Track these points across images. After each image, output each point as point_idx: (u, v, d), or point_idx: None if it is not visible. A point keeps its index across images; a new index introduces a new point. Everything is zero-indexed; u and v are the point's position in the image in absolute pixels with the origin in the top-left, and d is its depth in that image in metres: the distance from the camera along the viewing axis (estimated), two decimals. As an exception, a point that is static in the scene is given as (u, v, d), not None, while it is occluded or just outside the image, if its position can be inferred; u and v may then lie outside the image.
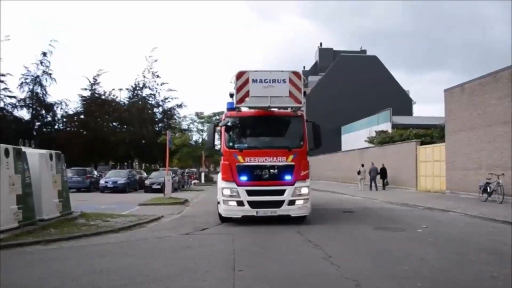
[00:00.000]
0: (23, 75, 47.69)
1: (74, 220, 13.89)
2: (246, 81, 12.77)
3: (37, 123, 49.62)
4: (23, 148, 12.51)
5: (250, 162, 12.97)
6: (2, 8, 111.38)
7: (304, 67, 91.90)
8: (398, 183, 32.48)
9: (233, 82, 12.92)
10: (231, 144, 13.45)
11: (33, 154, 13.06)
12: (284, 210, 12.89)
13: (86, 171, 35.28)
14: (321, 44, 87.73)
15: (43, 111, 49.53)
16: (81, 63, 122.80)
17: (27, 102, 47.75)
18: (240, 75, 12.83)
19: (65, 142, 43.33)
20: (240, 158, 13.02)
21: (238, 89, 12.77)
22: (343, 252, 9.09)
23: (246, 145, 13.48)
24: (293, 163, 13.00)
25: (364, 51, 79.46)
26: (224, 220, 13.64)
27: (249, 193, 12.86)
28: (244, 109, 13.79)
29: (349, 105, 61.34)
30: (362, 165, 33.10)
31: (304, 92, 13.28)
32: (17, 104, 47.14)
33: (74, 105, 52.69)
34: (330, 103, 63.07)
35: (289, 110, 13.69)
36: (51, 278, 7.12)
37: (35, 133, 45.93)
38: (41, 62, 48.22)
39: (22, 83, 47.60)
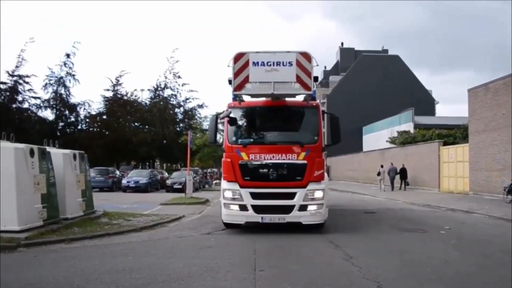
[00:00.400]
0: (47, 76, 48.47)
1: (97, 219, 14.08)
2: (246, 64, 10.98)
3: (61, 124, 50.39)
4: (48, 148, 12.74)
5: (255, 159, 11.43)
6: (27, 10, 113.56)
7: (325, 67, 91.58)
8: (419, 184, 32.10)
9: (230, 66, 11.12)
10: (233, 138, 11.88)
11: (57, 154, 13.27)
12: (294, 216, 11.25)
13: (109, 171, 35.73)
14: (342, 44, 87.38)
15: (67, 112, 50.26)
16: (104, 64, 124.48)
17: (51, 103, 48.50)
18: (238, 57, 11.04)
19: (88, 142, 43.90)
20: (243, 155, 11.49)
21: (236, 74, 11.02)
22: (364, 253, 9.03)
23: (250, 140, 11.90)
24: (305, 162, 11.30)
25: (386, 51, 78.84)
26: (227, 226, 12.21)
27: (254, 196, 11.29)
28: (248, 98, 12.20)
29: (370, 105, 60.86)
30: (382, 166, 33.03)
31: (316, 78, 11.46)
32: (41, 105, 47.92)
33: (96, 105, 53.32)
34: (351, 103, 62.69)
35: (297, 98, 12.01)
36: (76, 276, 7.23)
37: (58, 133, 46.64)
38: (65, 64, 48.94)
39: (46, 84, 48.36)
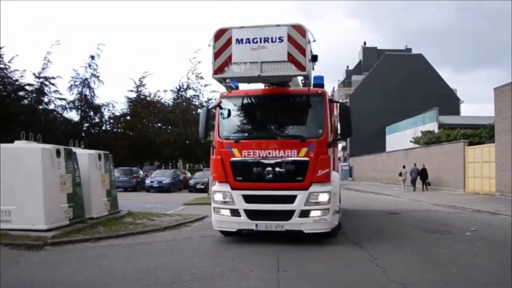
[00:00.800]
0: (72, 77, 49.17)
1: (121, 219, 14.27)
2: (228, 42, 9.30)
3: (86, 124, 51.10)
4: (73, 149, 12.96)
5: (248, 157, 9.91)
6: (52, 13, 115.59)
7: (347, 67, 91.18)
8: (443, 185, 31.65)
9: (211, 45, 9.48)
10: (224, 133, 10.40)
11: (83, 154, 13.49)
12: (294, 224, 9.62)
13: (132, 171, 36.17)
14: (365, 43, 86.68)
15: (91, 113, 50.93)
16: (127, 65, 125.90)
17: (76, 104, 49.20)
18: (219, 33, 9.38)
19: (112, 142, 44.43)
20: (235, 151, 10.00)
21: (217, 54, 9.35)
22: (388, 255, 8.95)
23: (243, 135, 10.43)
24: (306, 159, 9.69)
25: (410, 50, 77.85)
26: (222, 232, 10.89)
27: (247, 199, 9.83)
28: (247, 86, 10.82)
29: (393, 105, 60.17)
30: (404, 167, 32.94)
31: (315, 56, 9.70)
32: (66, 106, 48.62)
33: (120, 106, 53.93)
34: (374, 103, 62.11)
35: (290, 81, 10.53)
36: (101, 274, 7.36)
37: (83, 134, 47.33)
38: (89, 65, 49.58)
39: (71, 85, 49.06)
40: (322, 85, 10.83)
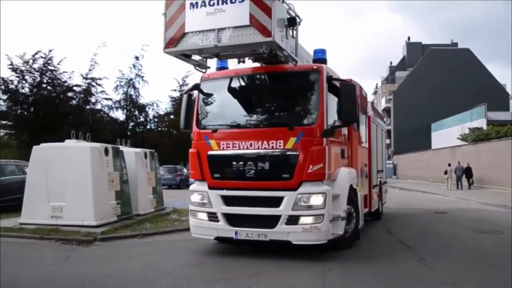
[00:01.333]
0: (118, 78, 50.39)
1: (167, 216, 14.48)
2: (181, 9, 7.82)
3: (131, 123, 52.27)
4: (120, 147, 13.30)
5: (227, 149, 8.33)
6: (99, 16, 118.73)
7: (391, 63, 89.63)
8: (492, 183, 30.61)
9: (163, 13, 8.07)
10: (203, 122, 8.89)
11: (129, 152, 13.82)
12: (280, 232, 7.84)
13: (177, 168, 36.77)
14: (409, 38, 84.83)
15: (136, 112, 51.92)
16: (170, 65, 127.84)
17: (122, 104, 50.35)
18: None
19: (156, 141, 45.26)
20: (212, 143, 8.47)
21: (169, 23, 7.89)
22: (437, 255, 8.72)
23: (222, 123, 8.71)
24: (295, 151, 7.88)
25: (456, 44, 75.71)
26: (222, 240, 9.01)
27: (226, 200, 8.31)
28: (236, 66, 9.08)
29: (439, 101, 58.70)
30: (449, 165, 32.36)
31: (292, 19, 8.04)
32: (113, 105, 49.71)
33: (164, 105, 54.84)
34: (419, 100, 60.78)
35: (281, 56, 8.18)
36: (149, 270, 7.50)
37: (129, 133, 48.44)
38: (134, 66, 50.70)
39: (117, 86, 50.12)
40: (323, 60, 8.78)
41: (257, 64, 9.06)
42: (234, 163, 8.24)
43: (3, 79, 25.67)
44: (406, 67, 77.30)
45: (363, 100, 10.97)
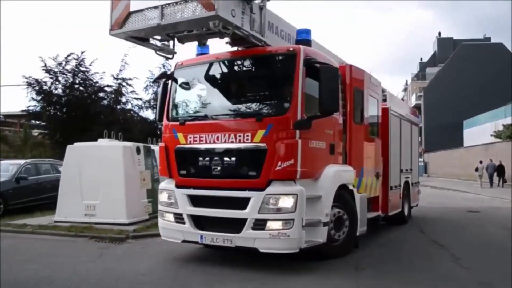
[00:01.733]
0: (147, 78, 51.15)
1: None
2: None
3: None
4: (152, 146, 13.49)
5: (194, 143, 7.58)
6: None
7: (421, 59, 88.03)
8: (529, 181, 29.82)
9: None
10: (173, 113, 8.24)
11: (157, 151, 13.99)
12: (246, 238, 6.97)
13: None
14: (439, 33, 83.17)
15: (165, 111, 52.68)
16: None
17: (152, 103, 51.14)
18: None
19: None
20: (180, 136, 7.76)
21: (115, 4, 7.29)
22: (472, 255, 8.56)
23: (190, 115, 8.09)
24: (263, 145, 6.96)
25: (488, 39, 73.83)
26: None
27: (193, 200, 7.59)
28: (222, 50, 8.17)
29: (471, 98, 57.36)
30: (481, 162, 31.79)
31: None
32: (143, 105, 50.58)
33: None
34: (451, 96, 59.57)
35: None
36: (181, 267, 7.61)
37: (158, 132, 49.05)
38: (163, 66, 51.34)
39: (147, 85, 51.01)
40: (307, 42, 7.83)
41: (234, 49, 8.16)
42: (200, 158, 7.49)
43: (37, 80, 26.31)
44: (437, 63, 75.86)
45: (372, 89, 9.85)
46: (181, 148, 7.73)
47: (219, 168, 7.29)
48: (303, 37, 7.91)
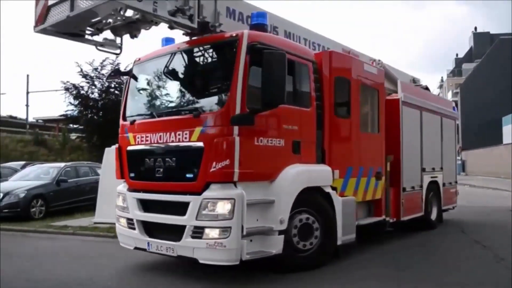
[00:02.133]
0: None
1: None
2: None
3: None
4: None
5: (141, 144, 7.12)
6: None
7: (457, 55, 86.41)
8: None
9: None
10: (128, 112, 7.73)
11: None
12: (186, 247, 6.31)
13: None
14: (475, 28, 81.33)
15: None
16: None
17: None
18: None
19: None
20: (130, 137, 7.31)
21: (37, 2, 6.93)
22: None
23: (138, 113, 7.52)
24: (200, 144, 6.32)
25: (527, 33, 71.60)
26: None
27: (142, 204, 7.08)
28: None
29: (510, 93, 55.70)
30: None
31: None
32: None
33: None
34: (488, 92, 57.96)
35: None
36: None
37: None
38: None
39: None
40: (262, 27, 7.14)
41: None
42: (146, 160, 6.97)
43: (74, 85, 27.01)
44: (474, 59, 74.07)
45: (369, 78, 8.75)
46: (130, 149, 7.31)
47: (161, 170, 6.76)
48: (259, 21, 7.16)
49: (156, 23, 6.76)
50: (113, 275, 7.30)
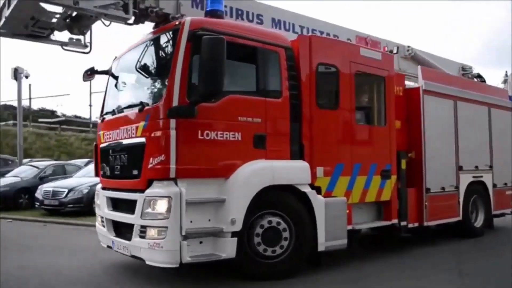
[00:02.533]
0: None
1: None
2: None
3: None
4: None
5: (106, 141, 6.95)
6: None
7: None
8: None
9: None
10: (103, 110, 7.51)
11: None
12: (135, 246, 5.93)
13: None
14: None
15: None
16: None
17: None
18: None
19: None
20: (101, 134, 7.16)
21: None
22: None
23: (106, 111, 7.28)
24: (143, 140, 5.93)
25: None
26: None
27: (109, 202, 6.82)
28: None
29: None
30: None
31: None
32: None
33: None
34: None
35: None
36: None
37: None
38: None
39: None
40: (216, 13, 6.64)
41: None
42: (109, 157, 6.72)
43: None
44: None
45: (367, 64, 7.61)
46: (100, 147, 7.13)
47: (118, 167, 6.49)
48: (214, 7, 6.63)
49: (97, 17, 6.54)
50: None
